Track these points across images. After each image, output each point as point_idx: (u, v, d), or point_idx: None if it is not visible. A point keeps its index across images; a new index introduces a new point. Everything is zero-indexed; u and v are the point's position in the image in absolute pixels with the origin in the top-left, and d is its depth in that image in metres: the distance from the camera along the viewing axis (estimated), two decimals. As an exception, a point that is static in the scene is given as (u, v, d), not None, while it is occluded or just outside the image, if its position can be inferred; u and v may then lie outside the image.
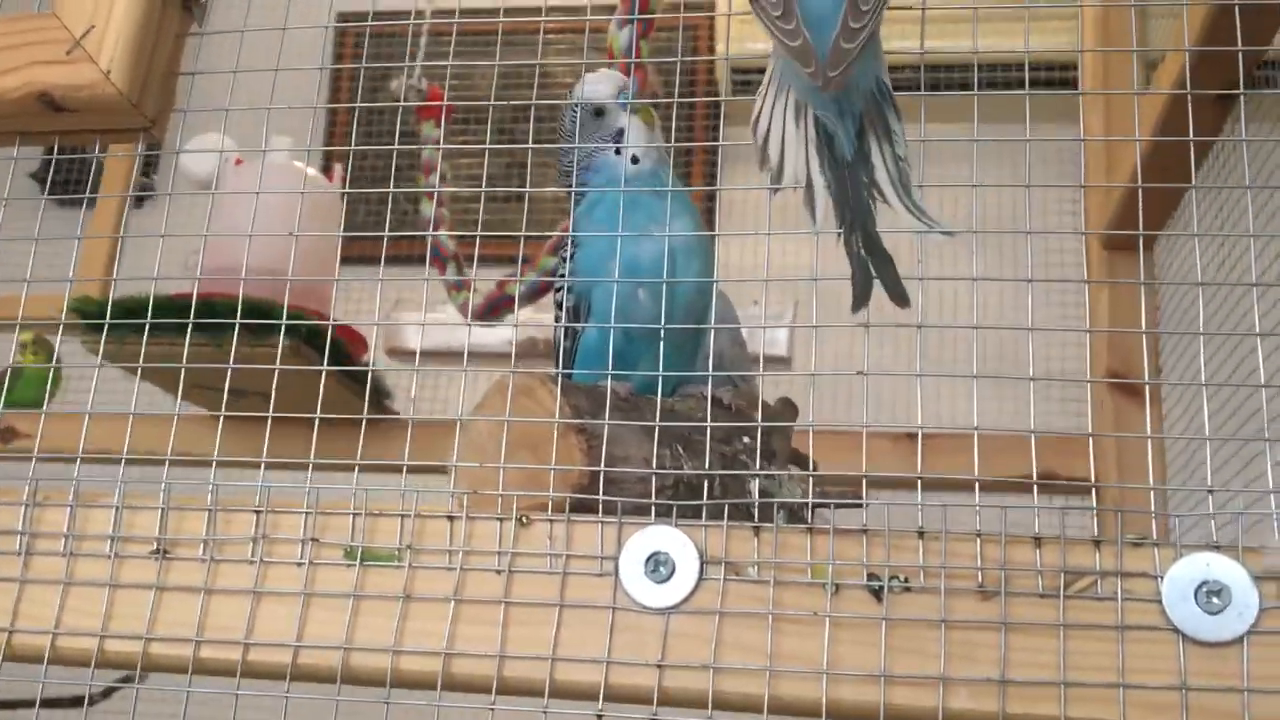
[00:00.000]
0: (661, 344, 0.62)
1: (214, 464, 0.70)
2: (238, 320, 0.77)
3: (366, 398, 1.72)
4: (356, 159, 2.18)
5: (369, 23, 0.78)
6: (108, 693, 1.73)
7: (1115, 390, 1.78)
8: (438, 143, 1.78)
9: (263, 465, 0.68)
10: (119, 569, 0.64)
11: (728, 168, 2.56)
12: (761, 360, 0.96)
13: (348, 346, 1.78)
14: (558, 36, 2.52)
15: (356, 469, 0.66)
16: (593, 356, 0.81)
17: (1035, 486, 0.68)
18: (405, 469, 0.65)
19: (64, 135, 0.71)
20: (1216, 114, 1.28)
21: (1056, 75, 2.30)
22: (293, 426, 0.78)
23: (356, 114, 0.88)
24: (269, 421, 0.68)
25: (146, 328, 0.78)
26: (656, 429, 0.67)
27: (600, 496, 0.59)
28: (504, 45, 0.70)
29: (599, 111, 0.86)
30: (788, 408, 0.94)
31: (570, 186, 0.88)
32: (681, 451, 0.70)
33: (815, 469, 0.71)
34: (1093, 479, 1.75)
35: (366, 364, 1.85)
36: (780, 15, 0.66)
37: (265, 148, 1.92)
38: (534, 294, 1.46)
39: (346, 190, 1.53)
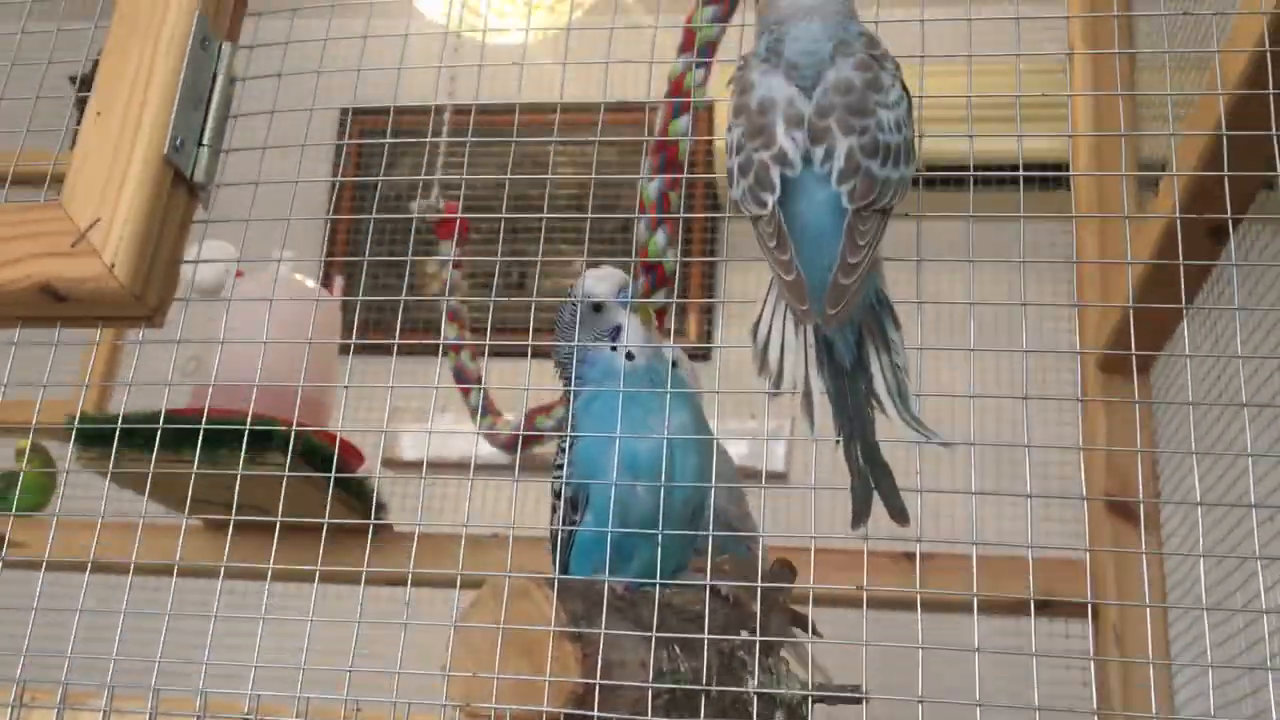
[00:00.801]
0: (659, 550, 0.61)
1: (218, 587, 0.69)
2: (241, 433, 0.77)
3: (371, 508, 1.72)
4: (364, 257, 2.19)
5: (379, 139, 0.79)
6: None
7: (1113, 513, 1.78)
8: (454, 263, 1.79)
9: (269, 576, 0.69)
10: (107, 778, 0.63)
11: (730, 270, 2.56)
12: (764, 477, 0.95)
13: (344, 461, 1.78)
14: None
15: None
16: (590, 548, 0.80)
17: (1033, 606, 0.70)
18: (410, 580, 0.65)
19: (65, 321, 0.71)
20: (1212, 242, 1.29)
21: (1051, 176, 2.32)
22: (291, 540, 0.79)
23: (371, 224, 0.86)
24: (275, 532, 0.68)
25: (148, 445, 0.78)
26: (654, 633, 0.66)
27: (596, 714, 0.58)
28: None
29: (597, 307, 0.87)
30: (785, 570, 0.93)
31: (568, 377, 0.88)
32: (679, 652, 0.70)
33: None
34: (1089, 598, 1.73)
35: (363, 475, 1.85)
36: (776, 245, 0.67)
37: (273, 258, 1.94)
38: (562, 427, 1.47)
39: (357, 297, 1.53)
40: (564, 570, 0.83)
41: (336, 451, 1.66)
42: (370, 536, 0.65)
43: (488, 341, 1.82)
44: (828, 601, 0.76)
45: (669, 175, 1.29)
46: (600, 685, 0.63)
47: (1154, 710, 1.57)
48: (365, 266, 0.82)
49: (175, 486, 1.35)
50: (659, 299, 1.28)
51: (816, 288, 0.67)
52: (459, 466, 1.88)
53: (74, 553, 0.71)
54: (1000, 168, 0.71)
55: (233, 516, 0.72)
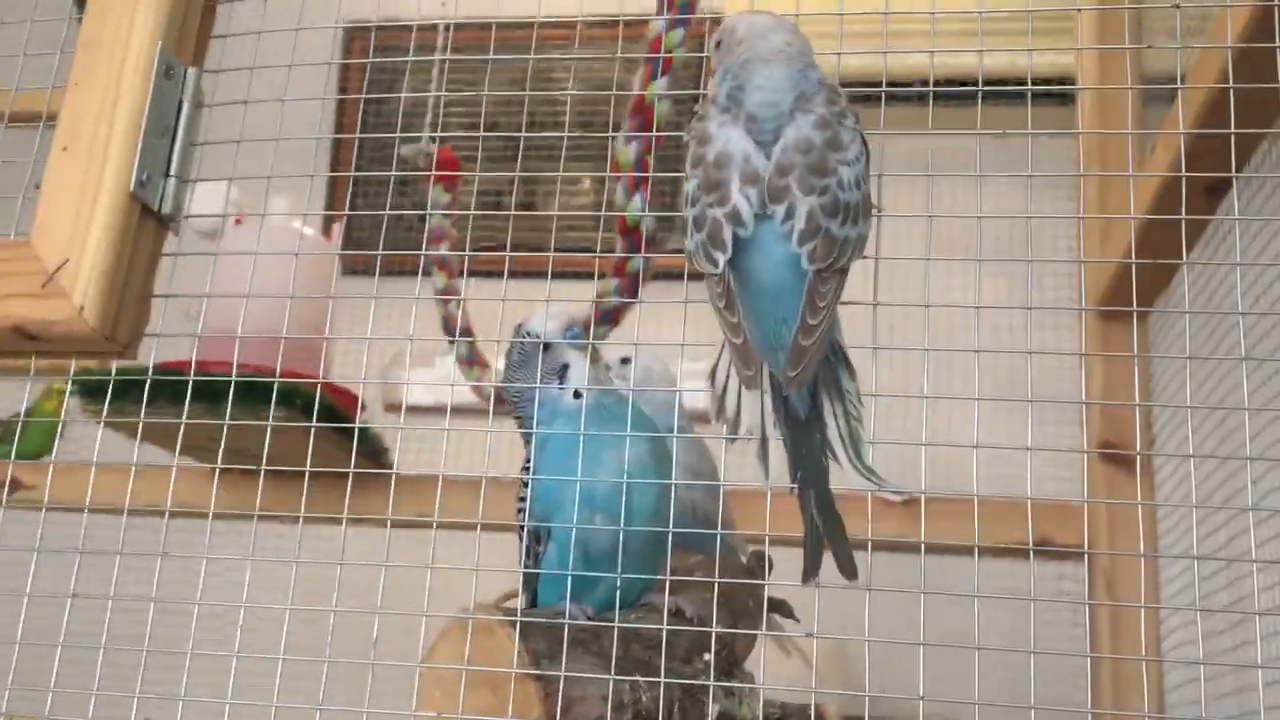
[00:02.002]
0: (618, 590, 0.63)
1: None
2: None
3: (353, 455, 1.74)
4: (360, 189, 2.19)
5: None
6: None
7: (1107, 460, 1.80)
8: (446, 207, 1.78)
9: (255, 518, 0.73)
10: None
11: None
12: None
13: (340, 409, 1.80)
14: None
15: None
16: (555, 579, 0.82)
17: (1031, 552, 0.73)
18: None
19: (39, 355, 0.72)
20: (1211, 195, 1.28)
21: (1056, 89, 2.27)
22: (285, 483, 0.83)
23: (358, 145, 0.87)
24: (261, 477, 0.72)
25: (145, 398, 0.80)
26: (613, 666, 0.69)
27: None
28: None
29: (546, 346, 0.88)
30: (760, 565, 0.95)
31: (519, 417, 0.89)
32: (640, 682, 0.72)
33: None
34: (1085, 546, 1.75)
35: (360, 422, 1.87)
36: (725, 305, 0.67)
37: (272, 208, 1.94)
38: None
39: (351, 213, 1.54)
40: (533, 596, 0.85)
41: (324, 398, 1.67)
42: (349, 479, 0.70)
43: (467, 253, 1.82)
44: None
45: (646, 137, 1.27)
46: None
47: (1143, 652, 1.61)
48: (352, 183, 0.84)
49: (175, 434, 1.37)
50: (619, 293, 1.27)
51: (770, 339, 0.67)
52: (456, 412, 1.88)
53: (103, 496, 0.76)
54: (1007, 83, 0.71)
55: (261, 466, 0.76)
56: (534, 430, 0.86)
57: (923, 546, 0.66)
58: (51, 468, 0.96)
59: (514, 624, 0.68)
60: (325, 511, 0.76)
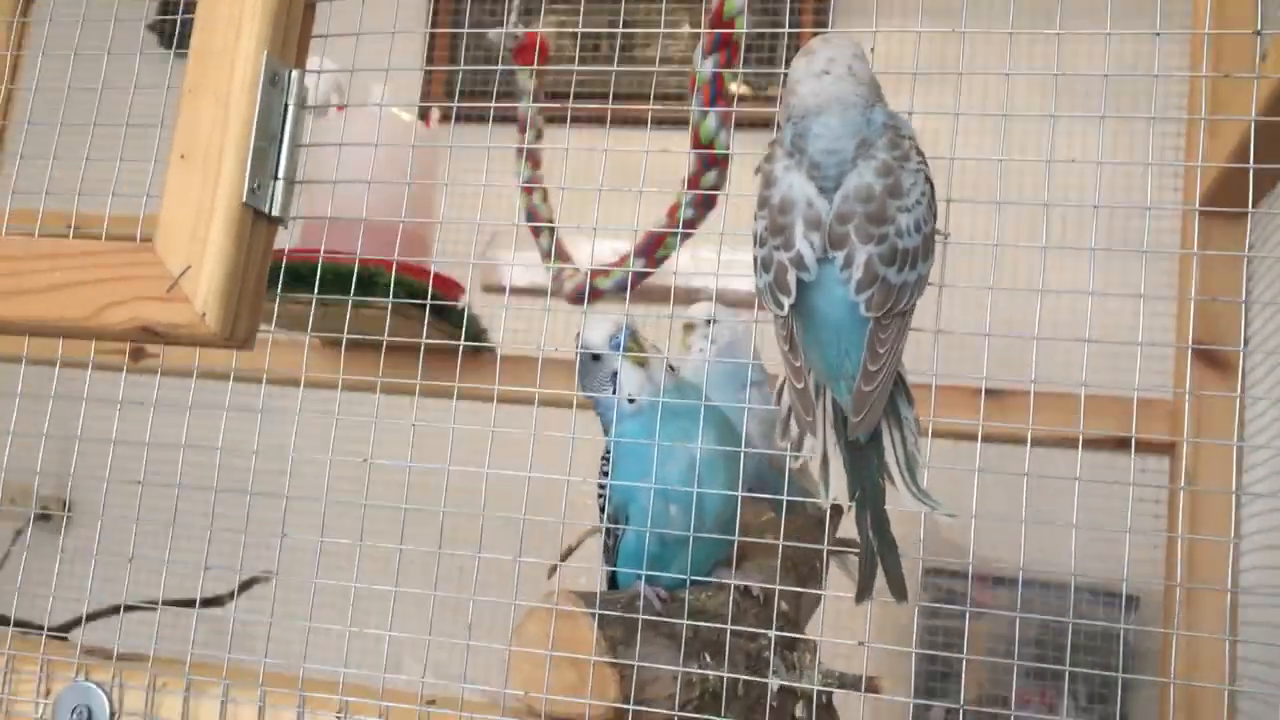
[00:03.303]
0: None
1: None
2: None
3: (463, 336, 1.83)
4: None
5: None
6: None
7: (1199, 357, 1.80)
8: (532, 94, 1.79)
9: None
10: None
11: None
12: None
13: (442, 294, 1.88)
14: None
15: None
16: (631, 556, 0.89)
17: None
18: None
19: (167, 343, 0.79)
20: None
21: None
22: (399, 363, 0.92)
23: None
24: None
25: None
26: (682, 646, 0.76)
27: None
28: None
29: (596, 356, 0.91)
30: (835, 513, 1.00)
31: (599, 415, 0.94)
32: (709, 660, 0.79)
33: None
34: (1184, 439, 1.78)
35: (461, 307, 1.94)
36: (789, 349, 0.70)
37: (372, 98, 1.97)
38: (621, 289, 1.52)
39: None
40: (612, 576, 0.92)
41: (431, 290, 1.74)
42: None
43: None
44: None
45: (723, 53, 1.27)
46: (634, 699, 0.73)
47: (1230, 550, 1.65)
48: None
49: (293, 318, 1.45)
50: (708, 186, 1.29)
51: (833, 369, 0.71)
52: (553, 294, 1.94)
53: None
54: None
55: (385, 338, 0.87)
56: (609, 436, 0.92)
57: (1029, 436, 0.73)
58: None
59: (593, 606, 0.75)
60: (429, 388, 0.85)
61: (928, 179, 0.72)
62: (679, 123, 1.41)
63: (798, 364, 0.71)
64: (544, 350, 0.86)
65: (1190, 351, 1.76)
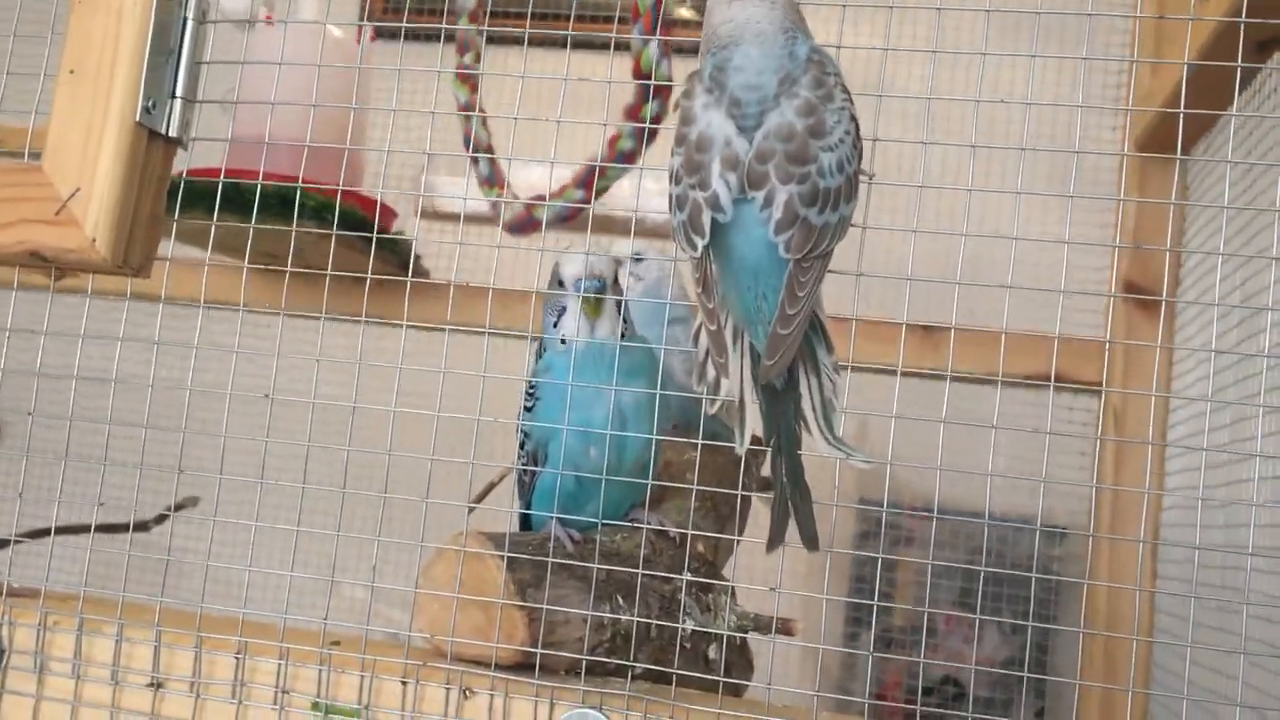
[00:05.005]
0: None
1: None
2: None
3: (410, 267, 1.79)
4: None
5: None
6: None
7: (1130, 301, 1.81)
8: (472, 16, 1.73)
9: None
10: (120, 696, 0.74)
11: None
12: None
13: (373, 220, 1.83)
14: None
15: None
16: (546, 497, 0.87)
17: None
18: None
19: (57, 270, 0.75)
20: (1263, 50, 1.25)
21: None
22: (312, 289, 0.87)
23: None
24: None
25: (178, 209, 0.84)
26: (593, 589, 0.74)
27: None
28: None
29: (561, 283, 0.88)
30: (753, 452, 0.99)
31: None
32: (621, 603, 0.77)
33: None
34: (1104, 384, 1.79)
35: (396, 234, 1.90)
36: (703, 291, 0.68)
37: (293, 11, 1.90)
38: (561, 220, 1.49)
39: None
40: (526, 507, 0.90)
41: (353, 211, 1.70)
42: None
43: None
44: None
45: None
46: (543, 643, 0.72)
47: (1146, 484, 1.67)
48: None
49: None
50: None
51: (750, 312, 0.68)
52: (490, 221, 1.89)
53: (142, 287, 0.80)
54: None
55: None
56: (535, 369, 0.89)
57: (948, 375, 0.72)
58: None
59: (503, 548, 0.73)
60: (350, 314, 0.82)
61: (853, 118, 0.69)
62: (623, 48, 1.37)
63: (711, 306, 0.68)
64: (456, 279, 0.83)
65: (1121, 296, 1.78)
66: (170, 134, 0.75)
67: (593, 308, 0.85)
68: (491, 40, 1.77)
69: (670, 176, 0.70)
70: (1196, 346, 1.63)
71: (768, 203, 0.67)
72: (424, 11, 2.21)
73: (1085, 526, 1.94)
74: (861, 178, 0.70)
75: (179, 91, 0.75)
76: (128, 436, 0.79)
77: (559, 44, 0.84)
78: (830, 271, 0.69)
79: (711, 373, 0.70)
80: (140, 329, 0.80)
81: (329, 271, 0.82)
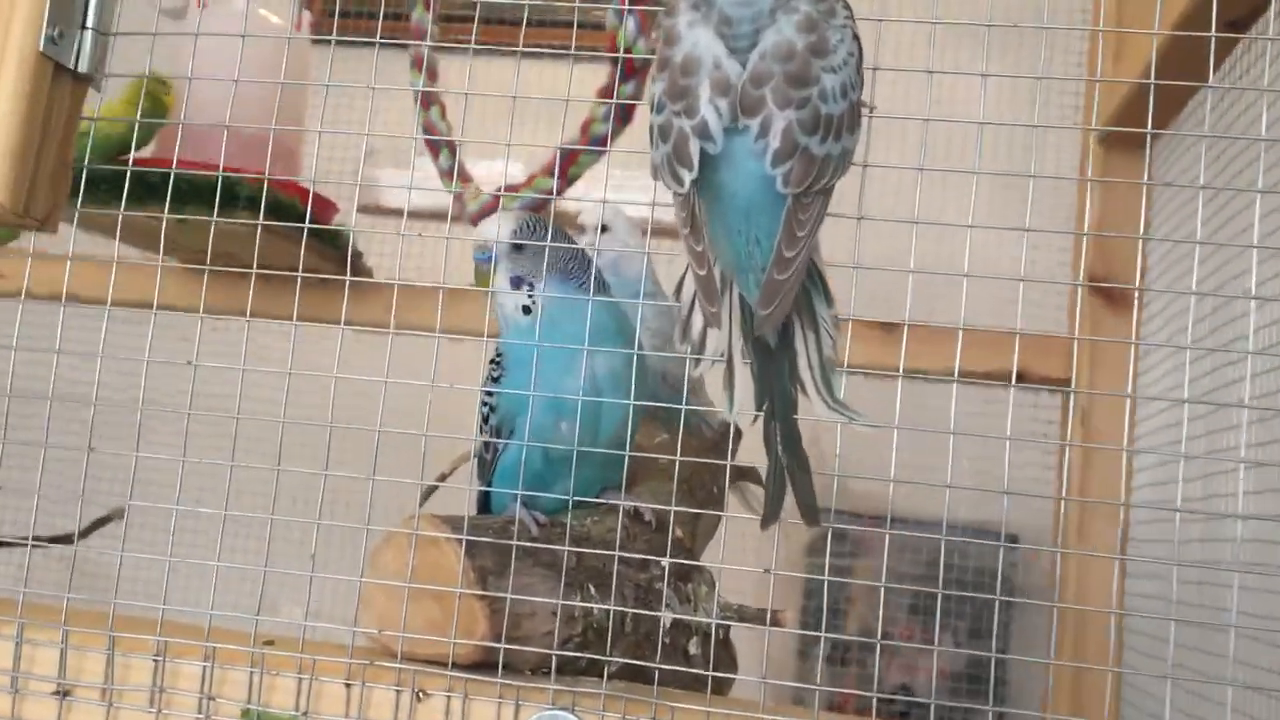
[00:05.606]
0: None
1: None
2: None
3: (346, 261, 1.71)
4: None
5: None
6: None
7: (1094, 293, 1.77)
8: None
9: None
10: (20, 706, 0.65)
11: None
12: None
13: (315, 213, 1.74)
14: None
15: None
16: (510, 476, 0.79)
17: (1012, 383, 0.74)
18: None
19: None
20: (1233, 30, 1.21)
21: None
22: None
23: None
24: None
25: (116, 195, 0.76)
26: (563, 576, 0.66)
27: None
28: None
29: (518, 248, 0.80)
30: (725, 437, 0.92)
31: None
32: (593, 592, 0.70)
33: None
34: (1073, 382, 1.75)
35: (337, 226, 1.81)
36: (689, 232, 0.60)
37: None
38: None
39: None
40: (487, 486, 0.82)
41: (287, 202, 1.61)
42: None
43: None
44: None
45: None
46: (507, 637, 0.64)
47: (1121, 496, 1.62)
48: None
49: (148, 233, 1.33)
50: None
51: (741, 259, 0.61)
52: (435, 217, 1.82)
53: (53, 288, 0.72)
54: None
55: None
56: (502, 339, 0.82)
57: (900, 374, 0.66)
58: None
59: (461, 533, 0.65)
60: (279, 314, 0.74)
61: (855, 36, 0.62)
62: (597, 26, 1.31)
63: (699, 248, 0.61)
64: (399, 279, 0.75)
65: (1086, 288, 1.74)
66: (80, 69, 0.66)
67: (482, 279, 0.78)
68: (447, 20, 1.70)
69: (651, 104, 0.63)
70: (1164, 341, 1.59)
71: (764, 131, 0.59)
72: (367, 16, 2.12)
73: (1050, 528, 1.89)
74: (862, 110, 0.63)
75: (90, 22, 0.66)
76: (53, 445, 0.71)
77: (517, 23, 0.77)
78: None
79: (698, 327, 0.63)
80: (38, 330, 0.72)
81: (254, 270, 0.73)
